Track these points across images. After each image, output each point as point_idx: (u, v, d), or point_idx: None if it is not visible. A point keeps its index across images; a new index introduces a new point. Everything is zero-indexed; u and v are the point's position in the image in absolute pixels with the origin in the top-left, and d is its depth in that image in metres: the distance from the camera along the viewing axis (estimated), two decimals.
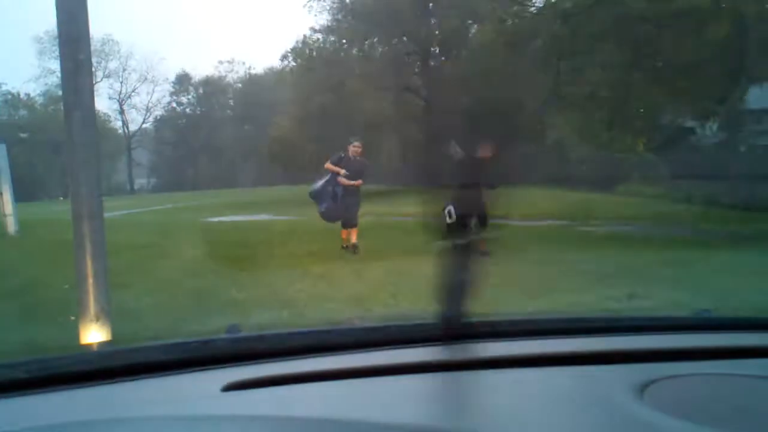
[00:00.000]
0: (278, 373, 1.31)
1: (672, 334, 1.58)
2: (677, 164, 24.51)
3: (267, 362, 1.38)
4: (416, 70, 40.20)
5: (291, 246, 11.73)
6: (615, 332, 1.60)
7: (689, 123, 25.86)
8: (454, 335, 1.52)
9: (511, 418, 1.09)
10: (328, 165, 10.90)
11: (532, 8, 19.03)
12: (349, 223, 11.08)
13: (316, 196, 10.98)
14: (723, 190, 20.32)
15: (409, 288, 7.29)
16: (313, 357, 1.41)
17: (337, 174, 10.77)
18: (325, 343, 1.49)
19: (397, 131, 37.94)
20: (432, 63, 39.34)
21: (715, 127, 27.23)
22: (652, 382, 1.17)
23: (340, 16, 37.60)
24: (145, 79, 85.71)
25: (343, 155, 10.96)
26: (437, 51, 39.66)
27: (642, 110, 16.78)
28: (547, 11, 17.16)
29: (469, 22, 36.58)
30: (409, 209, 20.91)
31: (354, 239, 11.05)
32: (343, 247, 11.06)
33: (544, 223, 15.42)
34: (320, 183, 10.94)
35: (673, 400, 1.09)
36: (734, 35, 16.40)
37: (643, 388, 1.14)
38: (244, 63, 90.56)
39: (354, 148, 11.00)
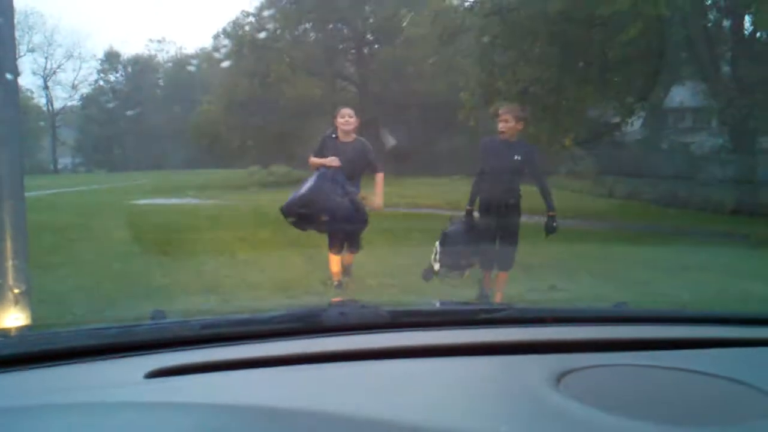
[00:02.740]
0: (203, 360, 1.30)
1: (589, 326, 1.61)
2: (602, 159, 25.16)
3: (192, 349, 1.36)
4: (350, 57, 40.13)
5: (219, 231, 11.58)
6: (534, 323, 1.62)
7: (614, 120, 26.54)
8: (377, 324, 1.53)
9: (429, 407, 1.10)
10: (313, 159, 6.85)
11: (467, 3, 19.29)
12: (347, 243, 7.08)
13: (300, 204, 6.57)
14: (645, 186, 20.94)
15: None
16: (239, 344, 1.40)
17: (327, 166, 6.68)
18: (250, 330, 1.49)
19: (329, 119, 37.85)
20: (366, 51, 39.35)
21: (638, 124, 28.07)
22: (569, 372, 1.19)
23: None
24: (72, 55, 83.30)
25: (331, 135, 6.93)
26: (372, 39, 39.66)
27: (571, 106, 17.16)
28: (483, 7, 17.41)
29: (404, 10, 36.70)
30: None
31: (350, 260, 7.24)
32: (325, 283, 7.09)
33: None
34: (303, 188, 6.63)
35: (587, 390, 1.11)
36: (657, 36, 16.92)
37: (559, 378, 1.16)
38: (175, 42, 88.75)
39: (343, 120, 6.81)
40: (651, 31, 15.65)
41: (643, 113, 27.44)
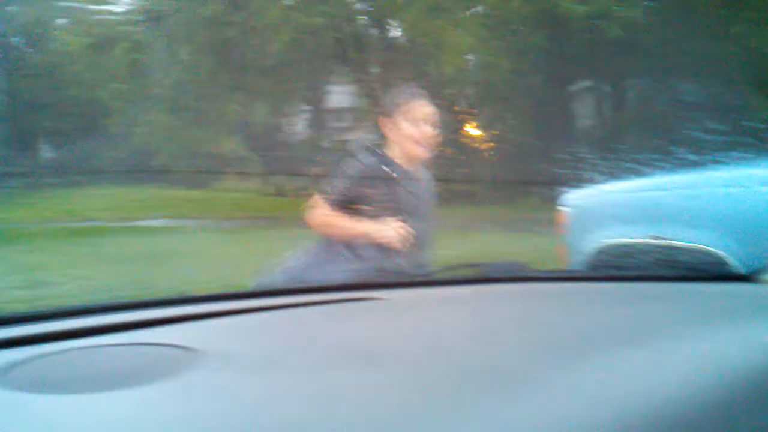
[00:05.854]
0: None
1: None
2: (270, 160, 25.90)
3: None
4: None
5: None
6: None
7: (279, 121, 27.53)
8: None
9: None
10: (332, 218, 2.85)
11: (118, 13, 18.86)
12: None
13: None
14: (309, 182, 21.84)
15: None
16: None
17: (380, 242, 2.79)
18: None
19: None
20: (15, 55, 36.25)
21: (303, 125, 29.35)
22: (18, 364, 1.10)
23: None
24: None
25: (380, 158, 2.96)
26: (21, 43, 36.65)
27: (228, 110, 17.47)
28: (133, 15, 17.15)
29: (55, 13, 34.49)
30: None
31: None
32: None
33: (142, 223, 15.31)
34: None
35: (37, 379, 1.05)
36: (311, 42, 17.86)
37: (5, 372, 1.07)
38: None
39: (422, 134, 2.90)
40: (305, 38, 16.48)
41: (304, 115, 28.84)
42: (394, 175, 2.91)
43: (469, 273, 1.93)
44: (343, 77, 24.24)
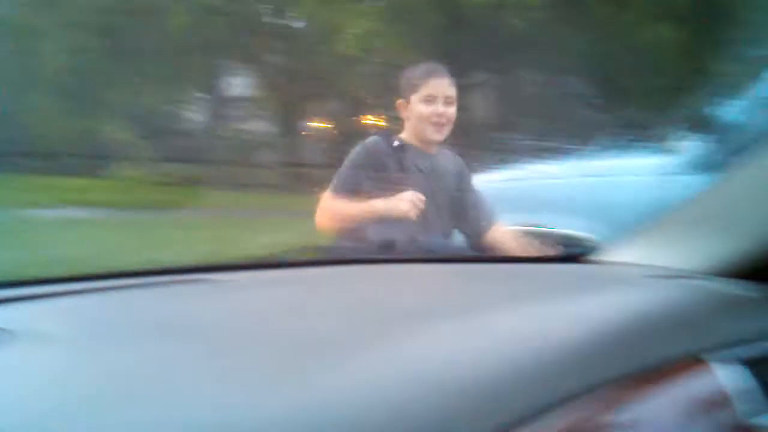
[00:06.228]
0: None
1: None
2: (164, 148, 25.29)
3: None
4: None
5: None
6: None
7: (173, 108, 26.97)
8: None
9: None
10: (341, 206, 2.67)
11: None
12: None
13: None
14: (205, 172, 21.56)
15: None
16: None
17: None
18: None
19: None
20: None
21: (201, 113, 28.88)
22: None
23: None
24: None
25: (390, 140, 2.83)
26: None
27: (120, 95, 17.04)
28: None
29: None
30: None
31: None
32: None
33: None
34: None
35: None
36: (208, 28, 17.57)
37: None
38: None
39: (434, 111, 2.73)
40: (202, 24, 16.21)
41: (199, 102, 28.41)
42: (397, 143, 2.80)
43: (314, 255, 1.94)
44: (240, 64, 23.95)
